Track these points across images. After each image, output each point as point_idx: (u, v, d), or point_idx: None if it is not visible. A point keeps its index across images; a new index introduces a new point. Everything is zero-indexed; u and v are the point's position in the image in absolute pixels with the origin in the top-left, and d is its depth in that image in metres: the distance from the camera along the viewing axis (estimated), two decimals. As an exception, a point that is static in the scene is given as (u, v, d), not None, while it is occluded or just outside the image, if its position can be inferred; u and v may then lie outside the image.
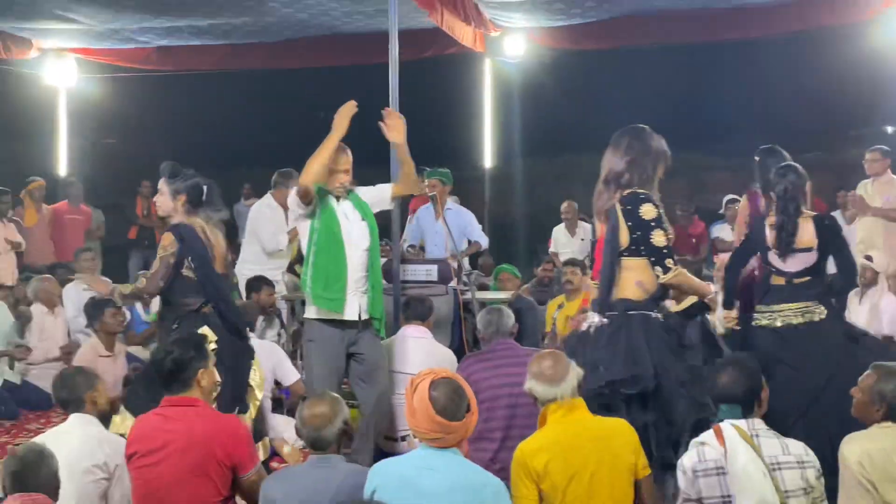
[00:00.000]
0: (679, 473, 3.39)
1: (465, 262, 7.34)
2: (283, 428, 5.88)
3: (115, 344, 6.52)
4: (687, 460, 3.37)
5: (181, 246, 4.84)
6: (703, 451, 3.35)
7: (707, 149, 15.03)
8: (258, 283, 7.02)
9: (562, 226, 10.04)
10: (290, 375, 6.03)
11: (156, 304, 6.48)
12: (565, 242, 9.81)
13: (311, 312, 5.02)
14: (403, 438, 5.36)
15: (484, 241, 8.02)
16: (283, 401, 6.33)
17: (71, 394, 4.06)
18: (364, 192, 5.21)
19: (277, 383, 6.05)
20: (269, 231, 7.45)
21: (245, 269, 7.52)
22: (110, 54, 10.36)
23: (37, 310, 7.53)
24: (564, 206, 10.00)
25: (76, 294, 7.82)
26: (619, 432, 3.53)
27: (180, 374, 3.70)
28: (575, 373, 3.58)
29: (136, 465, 3.65)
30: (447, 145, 12.75)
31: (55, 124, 11.11)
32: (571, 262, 7.47)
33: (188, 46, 10.00)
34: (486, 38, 9.86)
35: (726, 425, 3.36)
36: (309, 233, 4.95)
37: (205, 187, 5.01)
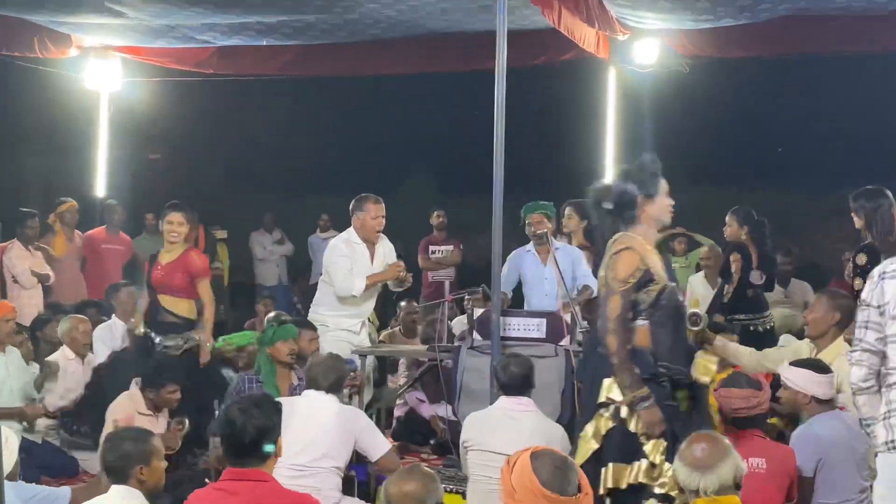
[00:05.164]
0: (867, 283, 4.00)
1: (578, 314, 6.97)
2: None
3: None
4: (876, 269, 4.02)
5: None
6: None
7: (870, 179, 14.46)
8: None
9: (700, 275, 9.82)
10: (381, 446, 5.70)
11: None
12: (704, 294, 9.55)
13: None
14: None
15: (595, 286, 7.59)
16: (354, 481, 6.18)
17: (119, 461, 4.04)
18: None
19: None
20: (343, 270, 7.39)
21: (317, 315, 7.46)
22: (163, 55, 10.52)
23: (63, 355, 7.63)
24: (705, 251, 9.80)
25: (110, 338, 7.92)
26: None
27: (261, 444, 3.64)
28: (733, 464, 3.41)
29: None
30: (561, 166, 12.60)
31: (94, 136, 11.34)
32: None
33: (253, 47, 10.08)
34: (611, 42, 9.74)
35: None
36: None
37: None
